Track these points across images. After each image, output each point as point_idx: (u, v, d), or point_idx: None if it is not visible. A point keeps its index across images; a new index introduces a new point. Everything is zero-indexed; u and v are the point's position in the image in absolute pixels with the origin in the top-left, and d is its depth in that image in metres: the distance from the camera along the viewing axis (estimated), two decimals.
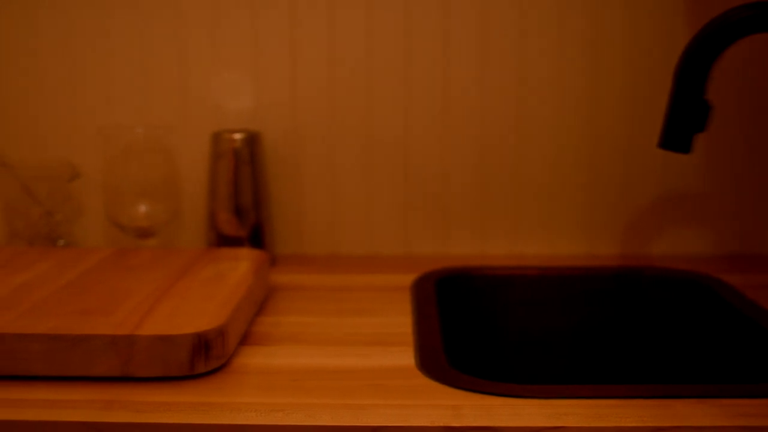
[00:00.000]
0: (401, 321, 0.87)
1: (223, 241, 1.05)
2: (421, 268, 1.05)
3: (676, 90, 0.84)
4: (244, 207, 1.04)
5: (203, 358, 0.71)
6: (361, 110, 1.10)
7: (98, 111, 1.11)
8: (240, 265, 0.91)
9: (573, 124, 1.10)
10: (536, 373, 1.04)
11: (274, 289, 0.97)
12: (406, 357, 0.77)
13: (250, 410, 0.66)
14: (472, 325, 1.03)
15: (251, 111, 1.10)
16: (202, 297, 0.80)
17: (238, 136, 1.04)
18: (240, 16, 1.08)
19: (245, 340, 0.81)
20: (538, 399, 0.67)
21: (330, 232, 1.13)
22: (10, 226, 1.06)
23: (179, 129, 1.10)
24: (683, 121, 0.84)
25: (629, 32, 1.08)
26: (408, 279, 1.01)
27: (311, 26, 1.08)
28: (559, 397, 0.67)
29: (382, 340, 0.81)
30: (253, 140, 1.04)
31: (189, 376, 0.72)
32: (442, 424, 0.63)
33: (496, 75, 1.09)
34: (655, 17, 1.07)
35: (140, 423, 0.64)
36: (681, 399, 0.67)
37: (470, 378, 0.71)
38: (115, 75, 1.10)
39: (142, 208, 1.03)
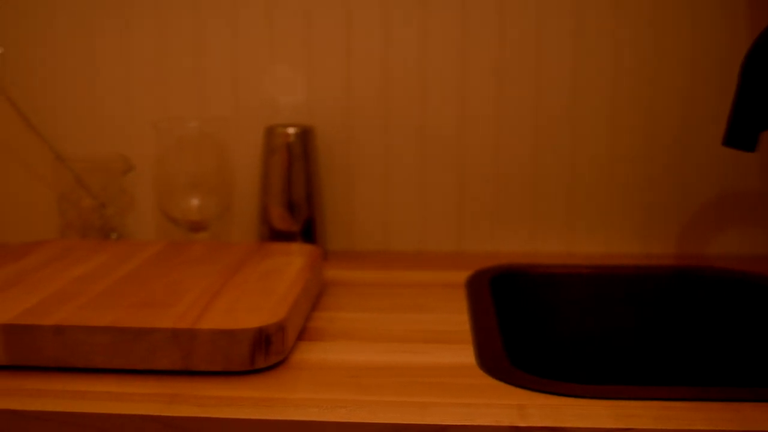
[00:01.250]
0: (457, 318, 0.86)
1: (275, 235, 1.05)
2: (474, 266, 1.04)
3: (742, 87, 0.83)
4: (296, 202, 1.04)
5: (263, 353, 0.71)
6: (414, 107, 1.09)
7: (153, 105, 1.11)
8: (295, 260, 0.91)
9: (628, 122, 1.08)
10: (592, 373, 1.02)
11: (327, 284, 0.96)
12: (465, 355, 0.76)
13: (312, 406, 0.65)
14: (527, 324, 1.02)
15: (304, 106, 1.09)
16: (259, 291, 0.80)
17: (291, 130, 1.03)
18: (294, 11, 1.08)
19: (302, 335, 0.81)
20: (604, 400, 0.66)
21: (381, 228, 1.12)
22: (64, 218, 1.06)
23: (233, 123, 1.10)
24: (749, 119, 0.82)
25: (688, 29, 1.06)
26: (461, 276, 1.00)
27: (365, 22, 1.08)
28: (626, 398, 0.66)
29: (438, 337, 0.81)
30: (306, 135, 1.04)
31: (248, 371, 0.71)
32: (508, 424, 0.62)
33: (550, 73, 1.07)
34: (715, 14, 1.05)
35: (205, 417, 0.63)
36: (750, 402, 0.66)
37: (534, 378, 0.70)
38: (170, 69, 1.10)
39: (195, 202, 1.03)
